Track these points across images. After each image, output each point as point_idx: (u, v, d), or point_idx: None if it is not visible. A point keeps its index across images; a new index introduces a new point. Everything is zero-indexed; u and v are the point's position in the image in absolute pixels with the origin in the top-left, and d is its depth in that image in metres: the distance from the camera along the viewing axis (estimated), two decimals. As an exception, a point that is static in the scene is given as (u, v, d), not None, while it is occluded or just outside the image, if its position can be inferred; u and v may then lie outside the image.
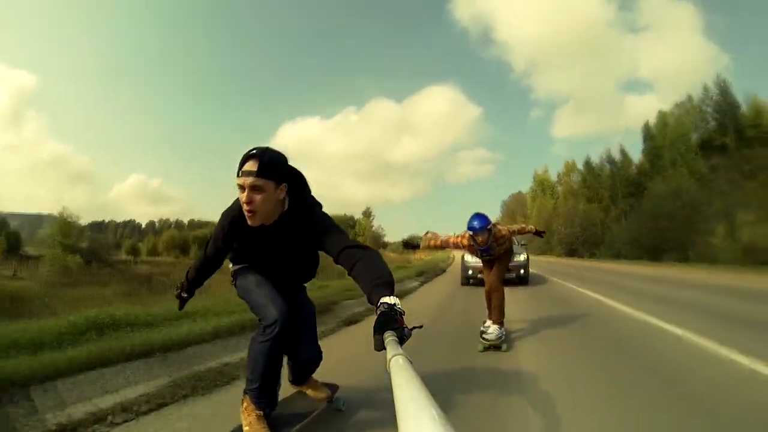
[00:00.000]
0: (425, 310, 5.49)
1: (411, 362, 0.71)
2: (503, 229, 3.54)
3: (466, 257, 8.47)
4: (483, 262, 3.84)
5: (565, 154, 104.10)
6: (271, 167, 1.43)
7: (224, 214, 1.63)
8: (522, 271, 8.75)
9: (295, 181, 1.59)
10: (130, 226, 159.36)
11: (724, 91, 31.81)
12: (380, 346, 0.94)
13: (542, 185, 51.31)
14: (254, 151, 1.43)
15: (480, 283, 4.06)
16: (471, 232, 3.34)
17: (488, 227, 3.31)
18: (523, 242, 9.68)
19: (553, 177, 50.19)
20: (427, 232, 3.75)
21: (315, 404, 1.95)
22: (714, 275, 11.68)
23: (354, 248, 1.41)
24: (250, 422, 1.60)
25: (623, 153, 37.53)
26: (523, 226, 3.94)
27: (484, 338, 3.33)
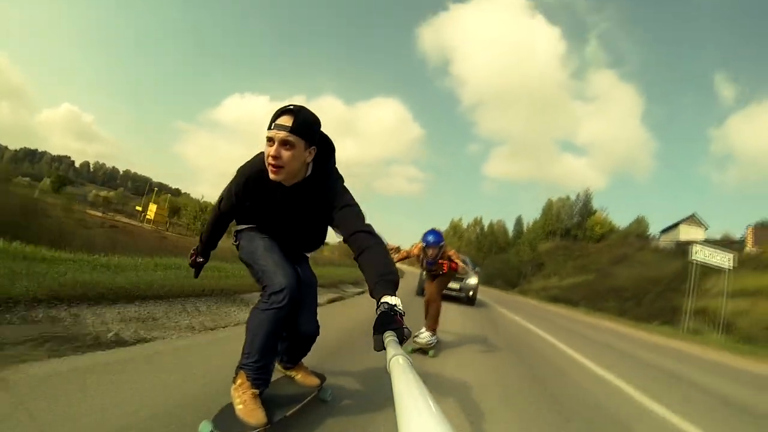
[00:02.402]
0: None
1: (411, 362, 0.72)
2: (452, 253, 3.83)
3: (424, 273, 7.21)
4: (427, 275, 4.14)
5: (492, 193, 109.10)
6: (305, 126, 1.40)
7: (241, 170, 1.58)
8: (471, 293, 9.80)
9: (324, 148, 1.54)
10: (66, 163, 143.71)
11: (587, 200, 50.72)
12: (380, 346, 0.95)
13: (455, 229, 66.90)
14: (291, 107, 1.40)
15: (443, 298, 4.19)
16: (424, 245, 3.60)
17: (441, 244, 3.61)
18: (477, 268, 11.17)
19: (464, 225, 68.38)
20: None
21: (305, 390, 1.83)
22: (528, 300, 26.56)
23: (366, 234, 1.40)
24: (245, 401, 1.48)
25: (503, 227, 61.60)
26: (464, 266, 4.17)
27: (415, 341, 3.61)
